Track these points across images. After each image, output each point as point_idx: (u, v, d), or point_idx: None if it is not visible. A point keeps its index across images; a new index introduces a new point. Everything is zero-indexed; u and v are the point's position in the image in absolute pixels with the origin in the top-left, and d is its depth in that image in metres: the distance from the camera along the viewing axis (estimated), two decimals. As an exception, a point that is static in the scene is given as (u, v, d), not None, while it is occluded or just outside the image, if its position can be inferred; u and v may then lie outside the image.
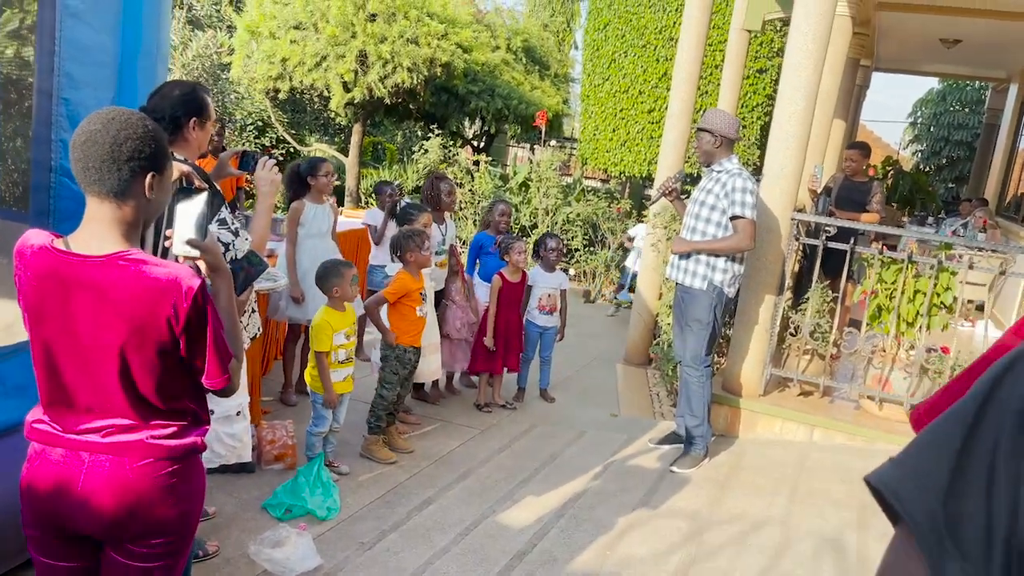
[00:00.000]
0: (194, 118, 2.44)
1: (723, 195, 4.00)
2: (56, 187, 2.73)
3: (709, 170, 4.18)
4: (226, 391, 1.69)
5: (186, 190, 1.66)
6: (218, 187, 2.39)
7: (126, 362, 1.58)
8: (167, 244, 1.73)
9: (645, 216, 9.20)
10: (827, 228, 4.72)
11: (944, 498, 0.62)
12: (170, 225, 1.74)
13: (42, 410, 1.70)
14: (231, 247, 2.26)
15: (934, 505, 0.62)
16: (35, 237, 1.62)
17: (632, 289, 8.75)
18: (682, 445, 4.42)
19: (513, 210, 10.85)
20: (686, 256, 4.17)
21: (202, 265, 1.75)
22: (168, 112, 2.39)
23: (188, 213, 1.70)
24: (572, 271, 10.69)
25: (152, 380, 1.61)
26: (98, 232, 1.57)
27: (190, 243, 1.69)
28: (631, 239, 9.25)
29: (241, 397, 3.30)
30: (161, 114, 2.39)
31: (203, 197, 1.69)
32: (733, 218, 3.98)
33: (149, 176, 1.57)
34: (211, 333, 1.61)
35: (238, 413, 3.26)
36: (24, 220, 3.18)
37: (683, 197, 4.48)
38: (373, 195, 7.29)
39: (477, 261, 5.53)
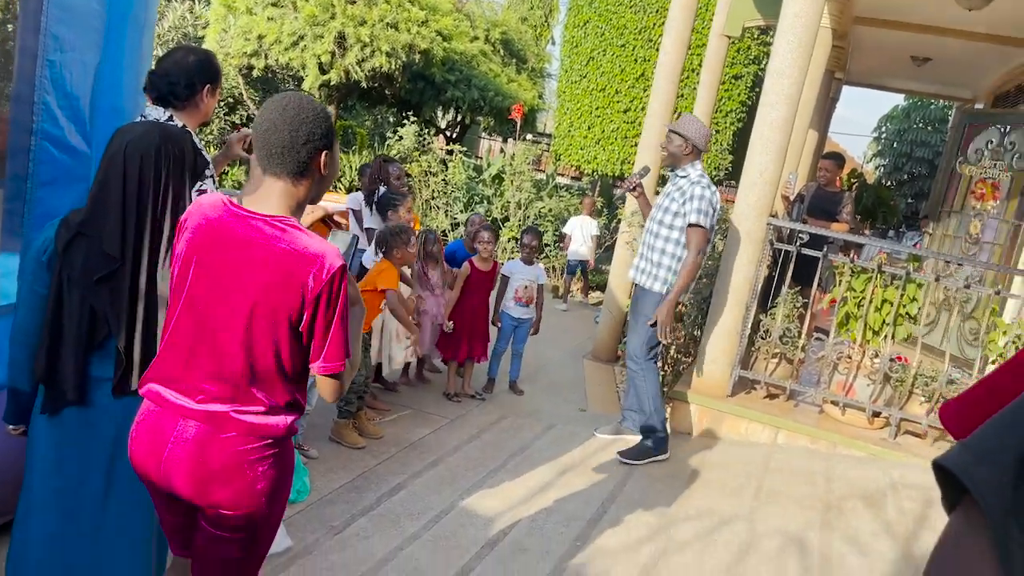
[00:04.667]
0: (208, 84, 2.39)
1: (683, 202, 4.08)
2: (36, 151, 2.64)
3: (673, 175, 4.24)
4: (338, 379, 1.71)
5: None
6: (208, 157, 2.34)
7: (251, 325, 1.62)
8: None
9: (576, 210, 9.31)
10: (801, 235, 4.80)
11: (1016, 480, 0.62)
12: None
13: (156, 370, 1.72)
14: None
15: (1007, 491, 0.61)
16: (210, 196, 1.72)
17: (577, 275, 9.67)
18: (622, 437, 4.53)
19: (486, 202, 10.93)
20: (648, 259, 4.23)
21: None
22: (184, 78, 2.34)
23: None
24: (542, 266, 10.70)
25: (270, 350, 1.64)
26: (268, 200, 1.67)
27: None
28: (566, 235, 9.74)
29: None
30: (176, 79, 2.33)
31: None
32: (689, 225, 4.05)
33: (323, 155, 1.68)
34: (339, 316, 1.65)
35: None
36: (-2, 184, 3.08)
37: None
38: (358, 176, 7.20)
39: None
